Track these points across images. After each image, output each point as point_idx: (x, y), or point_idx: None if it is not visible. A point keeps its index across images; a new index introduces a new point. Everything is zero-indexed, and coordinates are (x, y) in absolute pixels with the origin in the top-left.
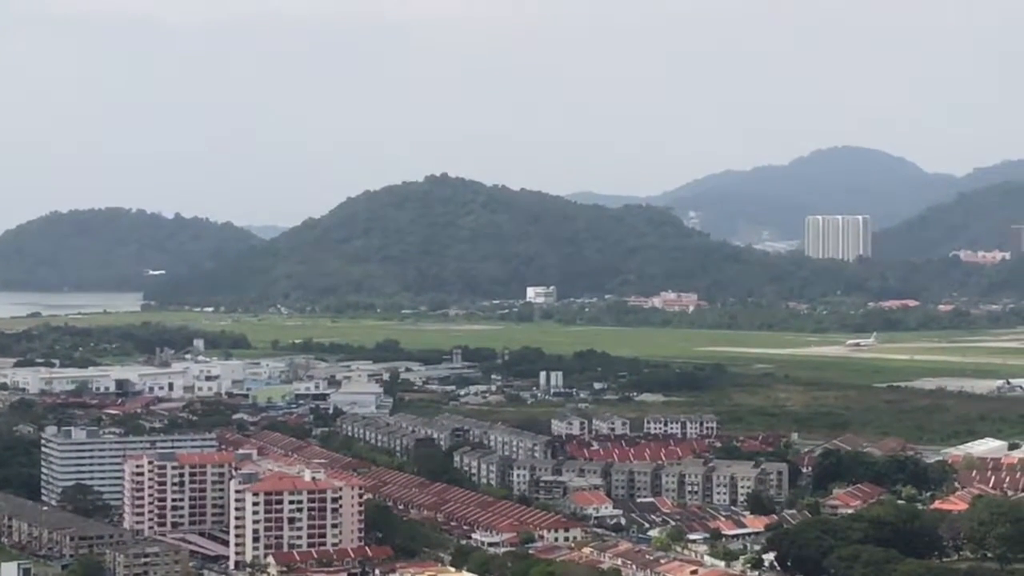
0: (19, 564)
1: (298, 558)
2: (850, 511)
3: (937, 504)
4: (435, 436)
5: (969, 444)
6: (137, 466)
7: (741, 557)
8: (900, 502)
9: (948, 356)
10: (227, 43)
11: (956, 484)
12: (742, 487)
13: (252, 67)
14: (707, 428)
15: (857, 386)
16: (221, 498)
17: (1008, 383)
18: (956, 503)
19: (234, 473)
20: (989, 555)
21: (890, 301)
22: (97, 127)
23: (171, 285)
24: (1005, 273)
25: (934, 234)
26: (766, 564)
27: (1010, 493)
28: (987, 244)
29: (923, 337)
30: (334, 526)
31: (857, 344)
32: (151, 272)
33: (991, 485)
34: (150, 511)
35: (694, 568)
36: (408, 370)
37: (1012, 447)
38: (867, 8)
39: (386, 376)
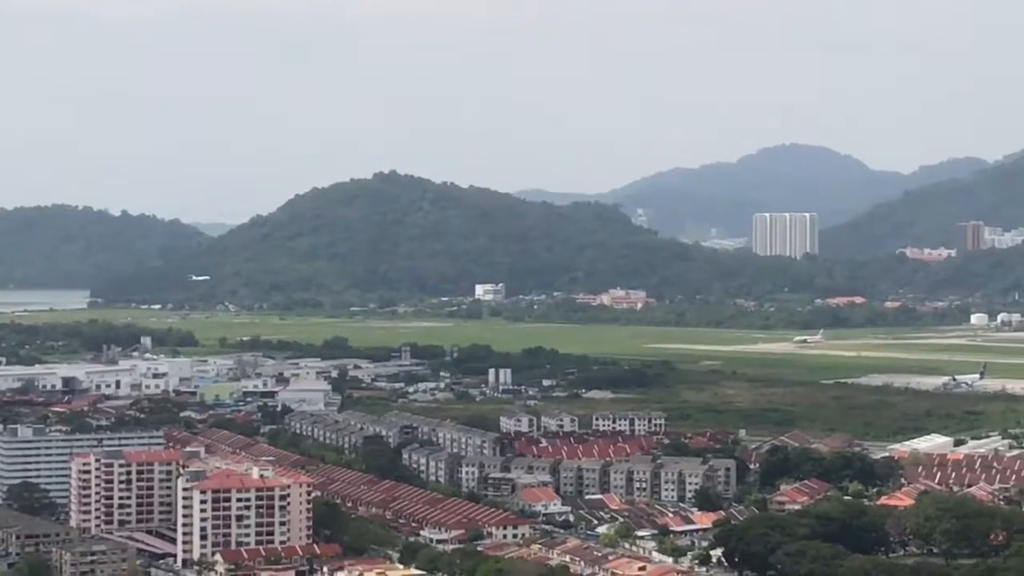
0: None
1: (246, 556)
2: (797, 507)
3: (883, 500)
4: (384, 433)
5: (915, 440)
6: (84, 464)
7: (689, 553)
8: (847, 498)
9: (894, 353)
10: (173, 39)
11: (902, 480)
12: (690, 484)
13: (199, 64)
14: (655, 425)
15: (804, 383)
16: (168, 496)
17: (954, 380)
18: (902, 499)
19: (181, 471)
20: (935, 550)
21: (837, 298)
22: (43, 124)
23: (118, 283)
24: (951, 270)
25: (880, 231)
26: (714, 560)
27: (955, 489)
28: (933, 241)
29: (869, 334)
30: (282, 524)
31: (804, 341)
32: (195, 278)
33: (937, 481)
34: (97, 509)
35: (642, 564)
36: (356, 367)
37: (958, 443)
38: (815, 8)
39: (334, 373)
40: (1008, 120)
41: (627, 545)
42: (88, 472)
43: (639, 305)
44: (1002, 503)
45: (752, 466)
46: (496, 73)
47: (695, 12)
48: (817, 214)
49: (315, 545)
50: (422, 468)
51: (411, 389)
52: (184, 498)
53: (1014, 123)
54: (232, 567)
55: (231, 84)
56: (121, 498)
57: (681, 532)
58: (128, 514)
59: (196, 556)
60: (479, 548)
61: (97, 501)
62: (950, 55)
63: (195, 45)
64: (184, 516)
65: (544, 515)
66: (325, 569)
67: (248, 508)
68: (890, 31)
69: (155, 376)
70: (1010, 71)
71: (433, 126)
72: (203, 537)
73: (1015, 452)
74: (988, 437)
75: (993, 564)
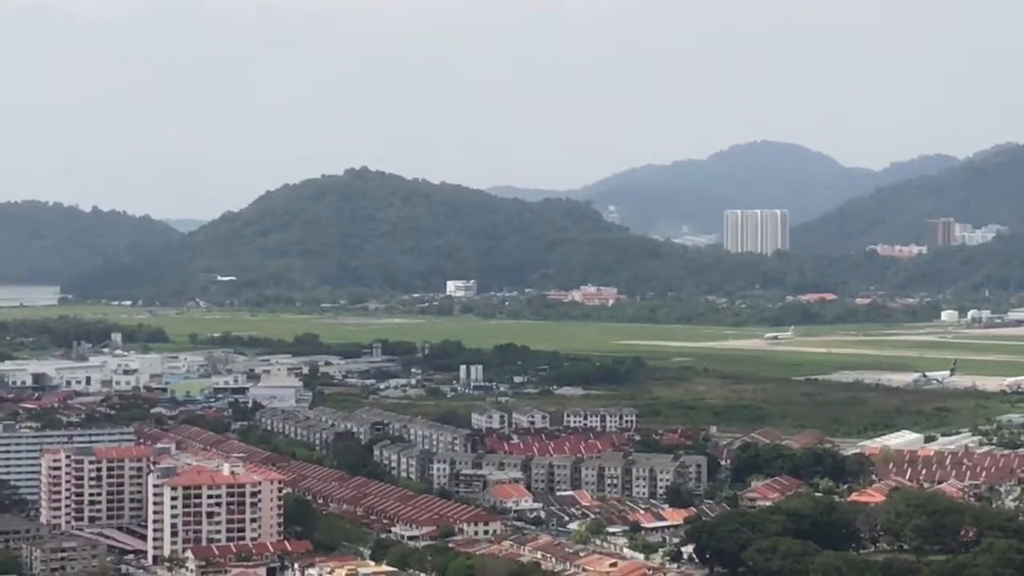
0: None
1: (217, 552)
2: (768, 503)
3: (854, 496)
4: (355, 430)
5: (886, 437)
6: (54, 460)
7: (660, 550)
8: (818, 494)
9: (865, 349)
10: (146, 37)
11: (873, 476)
12: (661, 480)
13: (171, 60)
14: (626, 421)
15: (775, 379)
16: (139, 492)
17: (924, 376)
18: (873, 495)
19: (152, 467)
20: (905, 547)
21: (808, 295)
22: (13, 120)
23: (88, 279)
24: (922, 267)
25: (851, 228)
26: (685, 556)
27: (926, 485)
28: (904, 238)
29: (840, 330)
30: (253, 520)
31: (775, 337)
32: (219, 279)
33: (908, 477)
34: (67, 506)
35: (613, 561)
36: (328, 364)
37: (928, 439)
38: (787, 5)
39: (305, 370)
40: (978, 117)
41: (598, 542)
42: (58, 469)
43: (610, 302)
44: (972, 499)
45: (723, 463)
46: (467, 70)
47: (668, 10)
48: (788, 211)
49: (286, 542)
50: (393, 465)
51: (382, 386)
52: (155, 495)
53: (984, 120)
54: (203, 564)
55: (202, 81)
56: (91, 495)
57: (652, 529)
58: (98, 511)
59: (167, 553)
60: (450, 545)
61: (67, 498)
62: (922, 53)
63: (167, 43)
64: (155, 513)
65: (515, 512)
66: (296, 566)
67: (219, 505)
68: (863, 29)
69: (126, 372)
70: (980, 69)
71: (404, 123)
72: (174, 534)
73: (985, 448)
74: (958, 434)
75: (963, 560)
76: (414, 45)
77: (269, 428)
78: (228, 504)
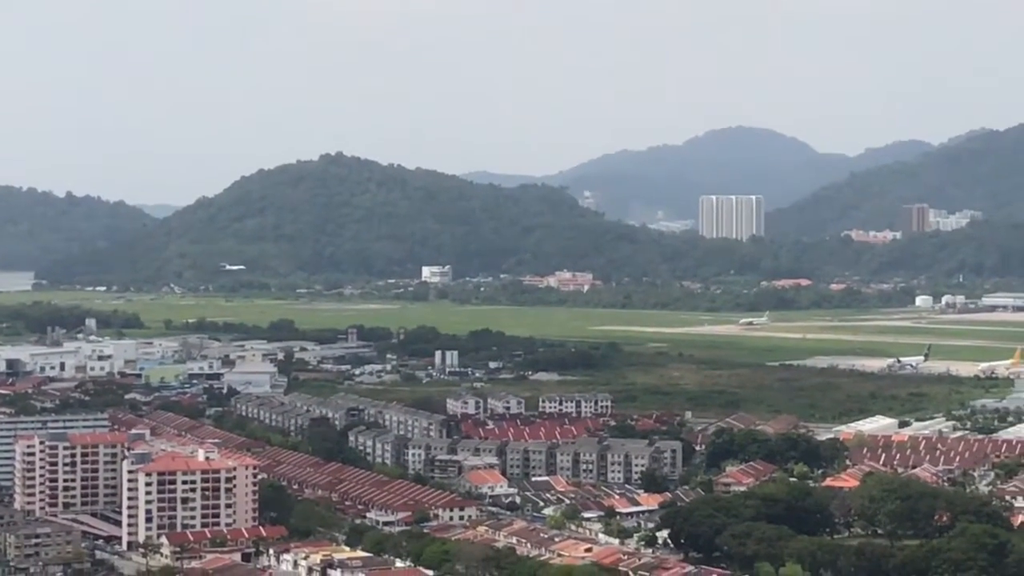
0: None
1: (191, 538)
2: (743, 489)
3: (828, 481)
4: (330, 416)
5: (860, 422)
6: (28, 446)
7: (635, 535)
8: (792, 480)
9: (840, 335)
10: (119, 17)
11: (847, 461)
12: (636, 465)
13: (144, 44)
14: (602, 407)
15: (750, 365)
16: (114, 478)
17: (898, 361)
18: (847, 480)
19: (127, 453)
20: (879, 531)
21: (783, 280)
22: None
23: (63, 264)
24: (896, 252)
25: (826, 214)
26: (660, 542)
27: (900, 470)
28: (878, 224)
29: (815, 316)
30: (228, 506)
31: (750, 323)
32: (230, 267)
33: (881, 462)
34: (41, 492)
35: (588, 546)
36: (303, 350)
37: (902, 424)
38: None
39: (280, 356)
40: (953, 103)
41: (573, 527)
42: (32, 454)
43: (586, 287)
44: (946, 484)
45: (698, 448)
46: (443, 56)
47: None
48: (763, 197)
49: (261, 527)
50: (368, 450)
51: (357, 371)
52: (129, 480)
53: (959, 106)
54: (177, 549)
55: (176, 66)
56: (66, 480)
57: (627, 514)
58: (73, 497)
59: (141, 539)
60: (425, 530)
61: (42, 484)
62: (896, 39)
63: (141, 29)
64: (129, 499)
65: (490, 497)
66: (271, 551)
67: (194, 490)
68: (836, 15)
69: (100, 358)
70: (955, 55)
71: (379, 107)
72: (148, 520)
73: (959, 434)
74: (932, 419)
75: (937, 545)
76: (389, 31)
77: (244, 414)
78: (203, 490)
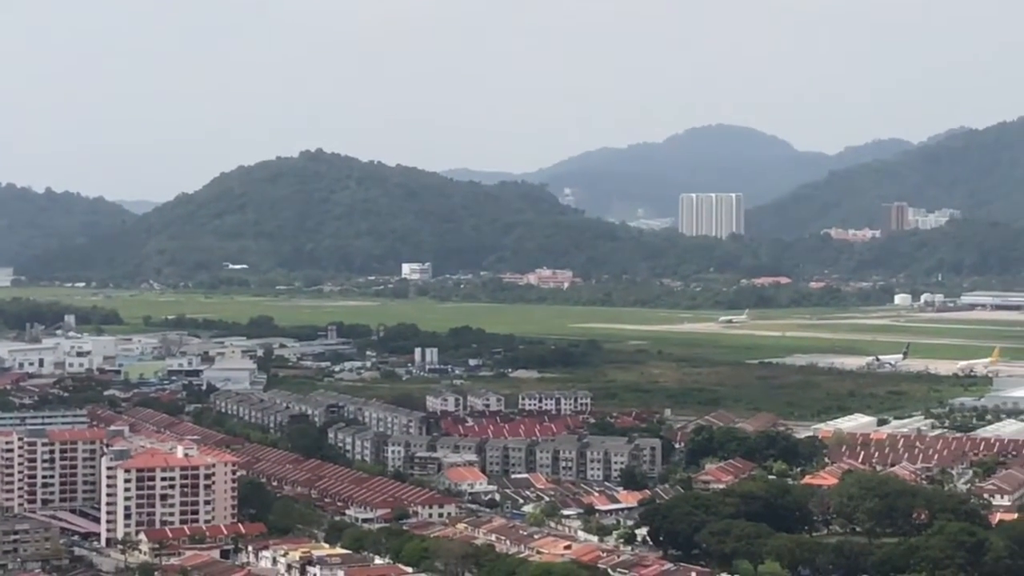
0: None
1: (170, 535)
2: (722, 486)
3: (807, 479)
4: (309, 412)
5: (839, 420)
6: (7, 443)
7: (614, 532)
8: (771, 477)
9: (819, 333)
10: (96, 13)
11: (826, 459)
12: (616, 463)
13: (126, 40)
14: (581, 404)
15: (729, 362)
16: (92, 475)
17: (877, 360)
18: (826, 478)
19: (105, 450)
20: (858, 529)
21: (762, 278)
22: None
23: (42, 260)
24: (875, 251)
25: (806, 212)
26: (639, 539)
27: (879, 468)
28: (857, 222)
29: (794, 314)
30: (207, 503)
31: (730, 321)
32: (233, 267)
33: (860, 460)
34: (20, 488)
35: (567, 543)
36: (282, 346)
37: (881, 423)
38: None
39: (260, 352)
40: (932, 102)
41: (553, 524)
42: (11, 451)
43: (566, 285)
44: (924, 482)
45: (677, 445)
46: (424, 51)
47: None
48: (743, 194)
49: (240, 524)
50: (348, 447)
51: (337, 368)
52: (108, 477)
53: (938, 105)
54: (156, 546)
55: (155, 62)
56: (44, 477)
57: (606, 511)
58: (51, 493)
59: (120, 535)
60: (405, 527)
61: (20, 480)
62: (876, 38)
63: (120, 21)
64: (108, 495)
65: (470, 494)
66: (250, 548)
67: (172, 487)
68: (817, 13)
69: (79, 354)
70: (934, 54)
71: (359, 104)
72: (127, 516)
73: (938, 432)
74: (911, 417)
75: (915, 543)
76: (369, 28)
77: (223, 411)
78: (182, 487)
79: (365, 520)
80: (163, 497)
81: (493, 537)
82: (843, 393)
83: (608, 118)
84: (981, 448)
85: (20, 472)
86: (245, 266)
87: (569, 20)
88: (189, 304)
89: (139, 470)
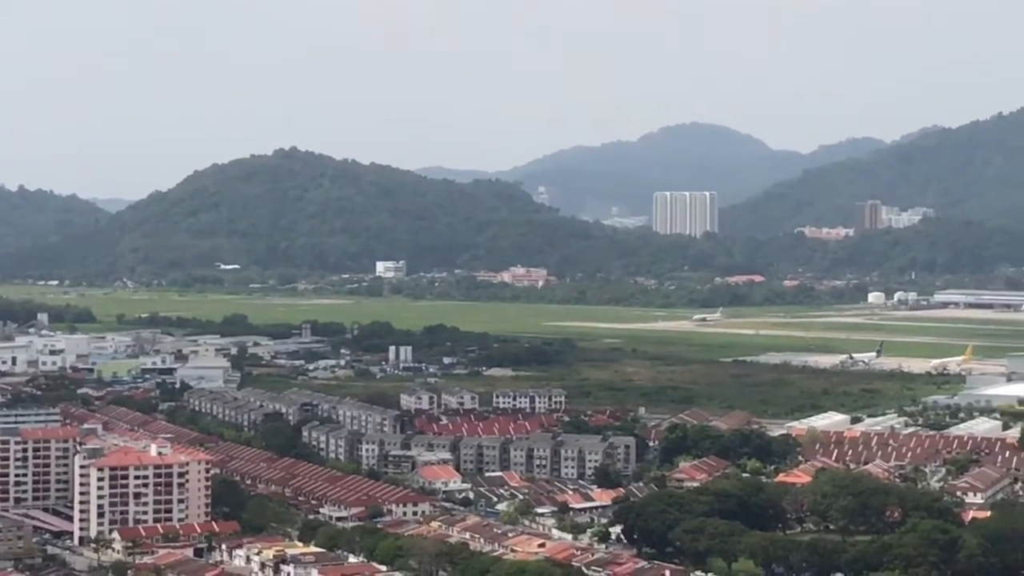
0: None
1: (144, 533)
2: (696, 484)
3: (781, 477)
4: (283, 411)
5: (812, 418)
6: None
7: (588, 530)
8: (745, 475)
9: (792, 331)
10: (70, 11)
11: (800, 457)
12: (590, 461)
13: (99, 38)
14: (555, 402)
15: (703, 361)
16: (66, 473)
17: (851, 358)
18: (800, 476)
19: (79, 448)
20: (831, 527)
21: (736, 277)
22: None
23: (15, 258)
24: (849, 249)
25: (780, 211)
26: (613, 537)
27: (852, 466)
28: (831, 221)
29: (768, 312)
30: (180, 501)
31: (703, 319)
32: (224, 267)
33: (834, 458)
34: None
35: (541, 541)
36: (256, 344)
37: (854, 421)
38: None
39: (234, 350)
40: (906, 101)
41: (527, 522)
42: None
43: (540, 283)
44: (898, 480)
45: (651, 443)
46: (397, 49)
47: None
48: (717, 193)
49: (214, 523)
50: (322, 445)
51: (311, 366)
52: (81, 476)
53: (911, 104)
54: (130, 545)
55: (129, 60)
56: (17, 475)
57: (581, 509)
58: (24, 492)
59: (93, 534)
60: (379, 525)
61: None
62: (850, 38)
63: (94, 18)
64: (81, 494)
65: (444, 492)
66: (224, 547)
67: (146, 486)
68: (792, 12)
69: (52, 353)
70: (907, 53)
71: (333, 102)
72: (100, 515)
73: (911, 430)
74: (884, 415)
75: (889, 540)
76: (343, 28)
77: (197, 409)
78: (155, 485)
79: (339, 518)
80: (136, 496)
81: (467, 535)
82: (817, 391)
83: (582, 117)
84: (954, 446)
85: None
86: (237, 266)
87: (545, 20)
88: (163, 302)
89: (112, 468)
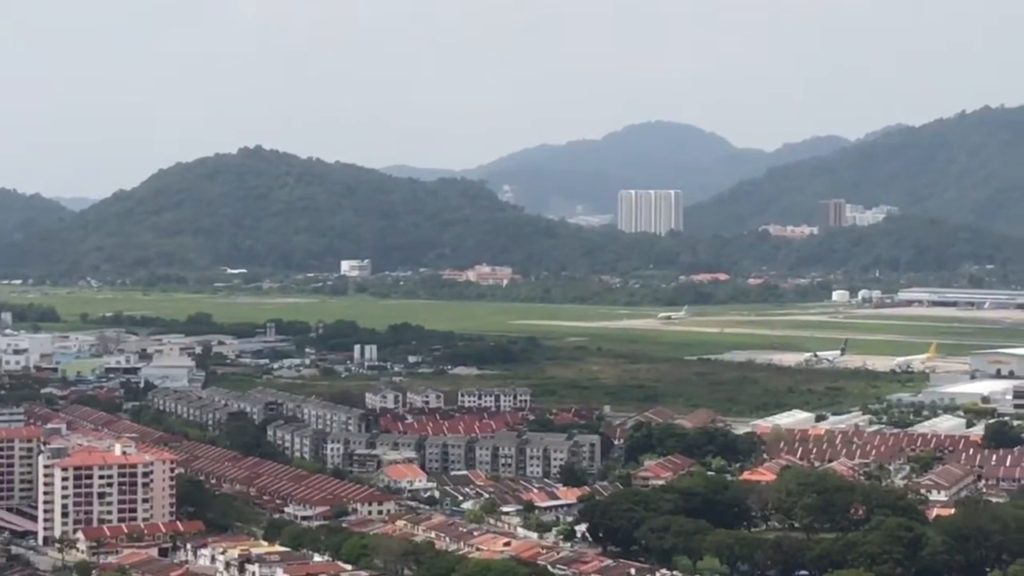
0: None
1: (108, 533)
2: (661, 482)
3: (746, 475)
4: (248, 410)
5: (777, 416)
6: None
7: (554, 529)
8: (710, 473)
9: (757, 329)
10: (33, 8)
11: (764, 455)
12: (555, 459)
13: (61, 35)
14: (521, 401)
15: (668, 359)
16: (29, 473)
17: (815, 356)
18: (764, 474)
19: (43, 448)
20: (796, 525)
21: (701, 275)
22: None
23: None
24: (813, 247)
25: (744, 209)
26: (578, 535)
27: (817, 464)
28: (796, 219)
29: (733, 310)
30: (145, 501)
31: (668, 317)
32: (230, 271)
33: (798, 456)
34: None
35: (507, 540)
36: (221, 343)
37: (819, 418)
38: None
39: (198, 350)
40: (869, 99)
41: (492, 521)
42: None
43: (505, 281)
44: (862, 478)
45: (617, 442)
46: (363, 48)
47: None
48: (682, 191)
49: (178, 522)
50: (287, 445)
51: (276, 365)
52: (45, 475)
53: (875, 102)
54: (94, 545)
55: (95, 56)
56: None
57: (546, 508)
58: None
59: (57, 534)
60: (344, 524)
61: None
62: (813, 35)
63: (57, 15)
64: (45, 493)
65: (409, 491)
66: (188, 546)
67: (110, 485)
68: (756, 11)
69: (16, 352)
70: (871, 51)
71: (298, 101)
72: (64, 514)
73: (875, 427)
74: (849, 413)
75: (853, 538)
76: (307, 26)
77: (161, 408)
78: (120, 485)
79: (304, 517)
80: (101, 495)
81: (432, 534)
82: (781, 389)
83: (547, 115)
84: (918, 444)
85: None
86: (244, 270)
87: (510, 20)
88: (127, 301)
89: (76, 468)
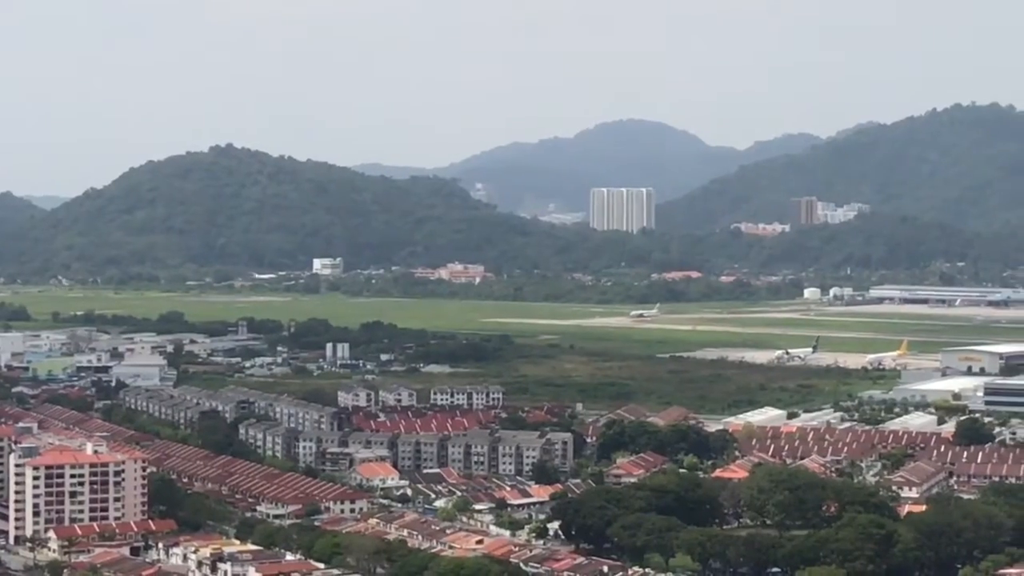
0: None
1: (80, 532)
2: (633, 480)
3: (718, 473)
4: (220, 408)
5: (749, 413)
6: None
7: (526, 526)
8: (682, 471)
9: (729, 327)
10: (3, 9)
11: (736, 453)
12: (528, 457)
13: (32, 30)
14: (493, 399)
15: (640, 356)
16: (1, 472)
17: (787, 353)
18: (736, 471)
19: (14, 447)
20: (768, 522)
21: (673, 272)
22: None
23: None
24: (785, 245)
25: (716, 206)
26: (551, 533)
27: (789, 461)
28: (767, 217)
29: (705, 308)
30: (116, 500)
31: (641, 315)
32: (258, 276)
33: (770, 453)
34: None
35: (479, 538)
36: (192, 342)
37: (791, 416)
38: None
39: (170, 348)
40: (841, 97)
41: (465, 519)
42: None
43: (477, 280)
44: (834, 475)
45: (589, 439)
46: (334, 45)
47: None
48: (654, 189)
49: (150, 521)
50: (259, 443)
51: (248, 364)
52: (16, 474)
53: (846, 100)
54: (65, 544)
55: (65, 54)
56: None
57: (519, 505)
58: None
59: (29, 533)
60: (316, 523)
61: None
62: (784, 33)
63: (25, 17)
64: (16, 493)
65: (382, 489)
66: (160, 545)
67: (82, 484)
68: (727, 8)
69: None
70: (842, 49)
71: (270, 99)
72: (36, 514)
73: (847, 425)
74: (820, 410)
75: (825, 535)
76: (280, 24)
77: (133, 407)
78: (91, 484)
79: (276, 516)
80: (72, 494)
81: (405, 532)
82: (753, 387)
83: (518, 113)
84: (889, 441)
85: None
86: (272, 276)
87: (483, 18)
88: (98, 300)
89: (48, 467)
